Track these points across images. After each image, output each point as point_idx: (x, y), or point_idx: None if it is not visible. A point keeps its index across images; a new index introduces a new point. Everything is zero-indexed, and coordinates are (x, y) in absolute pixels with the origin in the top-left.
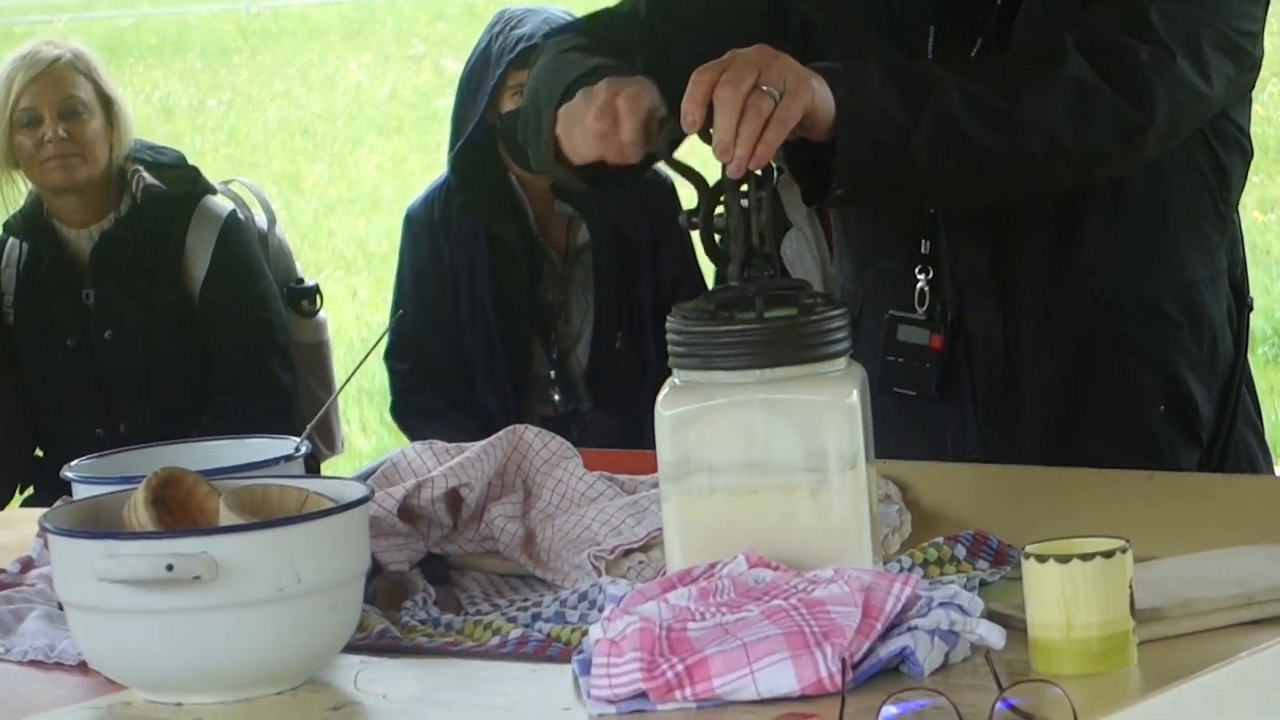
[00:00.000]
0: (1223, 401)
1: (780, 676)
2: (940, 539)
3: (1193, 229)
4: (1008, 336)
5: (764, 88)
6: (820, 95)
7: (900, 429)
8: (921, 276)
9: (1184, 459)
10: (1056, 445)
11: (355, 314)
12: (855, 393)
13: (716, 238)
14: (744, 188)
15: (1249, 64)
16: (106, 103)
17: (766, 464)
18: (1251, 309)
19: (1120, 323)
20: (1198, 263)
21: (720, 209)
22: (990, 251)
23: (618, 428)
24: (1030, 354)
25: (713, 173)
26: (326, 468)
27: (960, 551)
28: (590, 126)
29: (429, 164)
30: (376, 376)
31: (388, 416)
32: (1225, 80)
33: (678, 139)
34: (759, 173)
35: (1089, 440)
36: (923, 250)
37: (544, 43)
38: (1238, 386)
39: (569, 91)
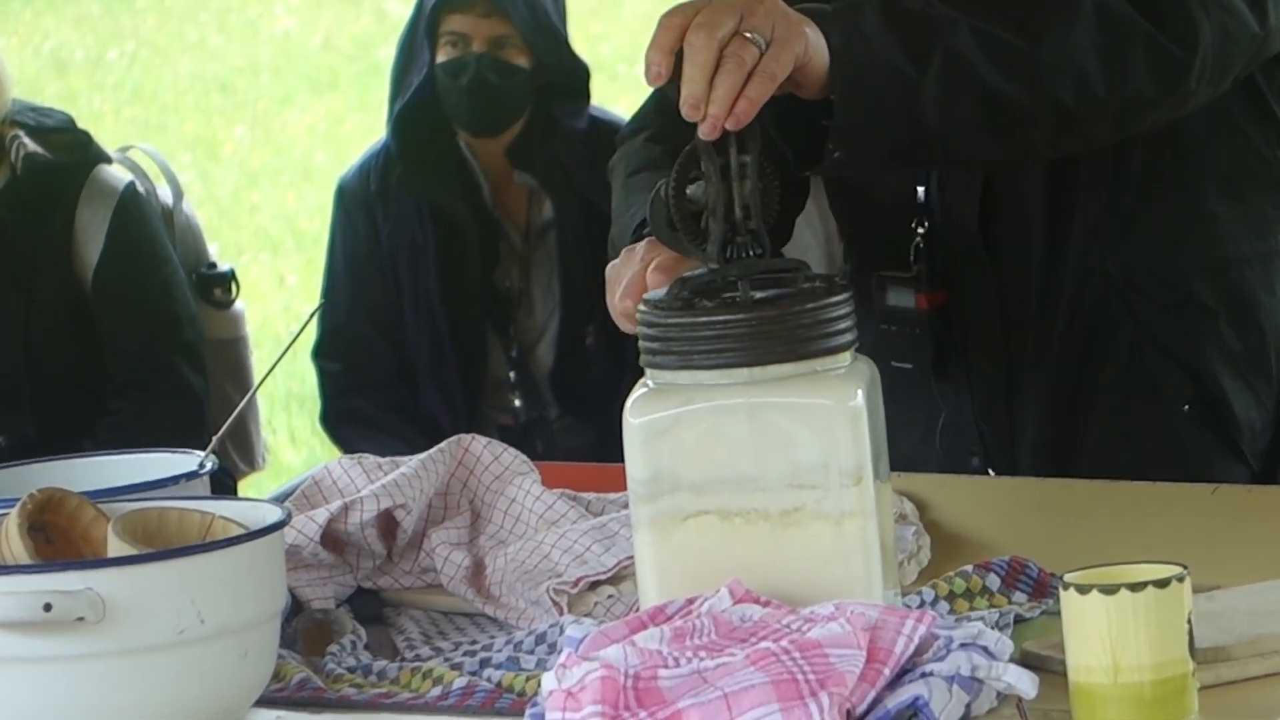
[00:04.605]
0: (1278, 409)
1: None
2: (969, 567)
3: (1232, 197)
4: (1006, 317)
5: (747, 34)
6: (814, 44)
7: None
8: (920, 230)
9: (1223, 475)
10: (1059, 451)
11: (283, 304)
12: (861, 394)
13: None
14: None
15: None
16: None
17: (756, 480)
18: None
19: (1133, 304)
20: (1239, 238)
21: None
22: (979, 206)
23: (590, 439)
24: (1030, 339)
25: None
26: (245, 486)
27: (994, 582)
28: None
29: (369, 126)
30: (308, 378)
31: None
32: None
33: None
34: (740, 132)
35: (1097, 447)
36: (918, 198)
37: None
38: None
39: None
